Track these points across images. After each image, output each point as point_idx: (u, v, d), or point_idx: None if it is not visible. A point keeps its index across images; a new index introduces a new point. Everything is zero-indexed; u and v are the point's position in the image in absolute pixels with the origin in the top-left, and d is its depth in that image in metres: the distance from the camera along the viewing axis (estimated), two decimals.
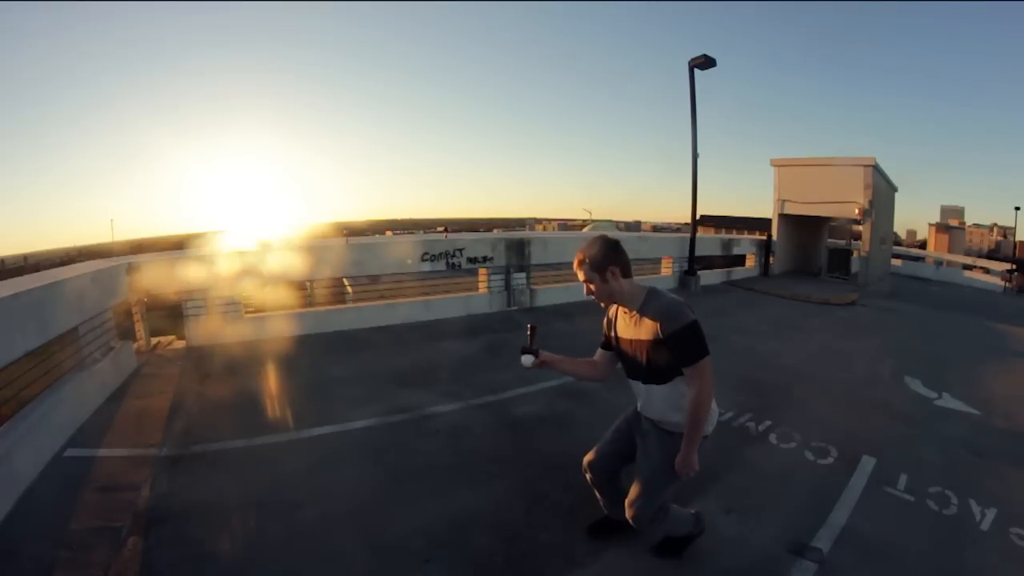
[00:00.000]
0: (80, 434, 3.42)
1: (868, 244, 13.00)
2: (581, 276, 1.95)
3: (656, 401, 1.99)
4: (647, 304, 1.90)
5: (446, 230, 9.07)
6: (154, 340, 5.75)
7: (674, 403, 1.94)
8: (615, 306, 2.05)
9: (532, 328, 2.10)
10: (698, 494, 2.75)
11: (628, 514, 2.10)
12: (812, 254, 15.49)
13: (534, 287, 8.26)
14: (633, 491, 2.10)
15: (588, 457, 2.31)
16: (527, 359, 2.08)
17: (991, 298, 14.38)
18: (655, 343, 1.86)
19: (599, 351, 2.19)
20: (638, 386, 2.04)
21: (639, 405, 2.12)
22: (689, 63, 10.13)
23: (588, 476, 2.33)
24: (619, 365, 2.12)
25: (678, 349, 1.83)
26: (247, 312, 6.11)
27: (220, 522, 2.51)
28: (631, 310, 1.94)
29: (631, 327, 1.96)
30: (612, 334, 2.08)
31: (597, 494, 2.38)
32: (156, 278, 5.33)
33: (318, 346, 5.72)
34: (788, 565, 2.28)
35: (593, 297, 1.96)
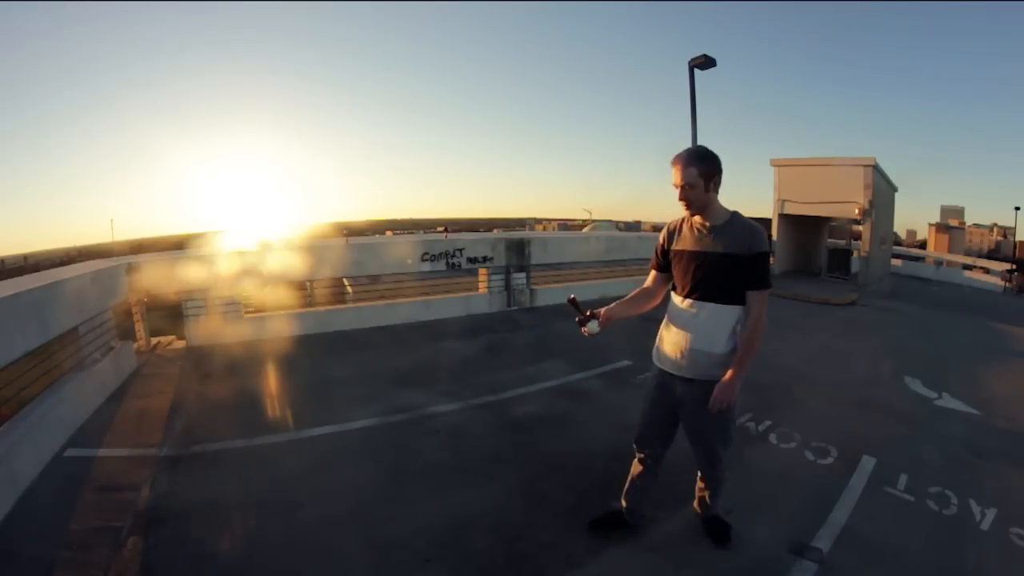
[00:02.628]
0: (80, 434, 3.42)
1: (868, 244, 12.99)
2: (683, 179, 1.90)
3: (703, 323, 1.97)
4: (734, 220, 1.95)
5: (446, 230, 9.07)
6: (154, 340, 5.75)
7: (723, 328, 1.96)
8: (681, 220, 2.06)
9: (573, 300, 2.06)
10: None
11: (703, 482, 2.30)
12: (812, 254, 15.48)
13: (534, 287, 8.25)
14: (703, 458, 2.19)
15: (636, 436, 2.28)
16: (592, 325, 2.04)
17: (991, 298, 14.39)
18: (734, 258, 1.89)
19: (653, 274, 2.19)
20: (685, 310, 2.01)
21: (669, 346, 2.06)
22: (689, 63, 10.13)
23: (640, 455, 2.29)
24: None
25: (757, 270, 1.90)
26: (247, 312, 6.11)
27: (220, 522, 2.51)
28: (712, 224, 1.95)
29: (707, 240, 1.95)
30: (675, 248, 2.06)
31: (635, 478, 2.34)
32: (156, 278, 5.33)
33: (318, 346, 5.72)
34: (788, 565, 2.28)
35: (683, 203, 1.95)
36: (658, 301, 2.21)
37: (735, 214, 1.98)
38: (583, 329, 2.08)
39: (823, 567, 2.28)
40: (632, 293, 2.21)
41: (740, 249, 1.89)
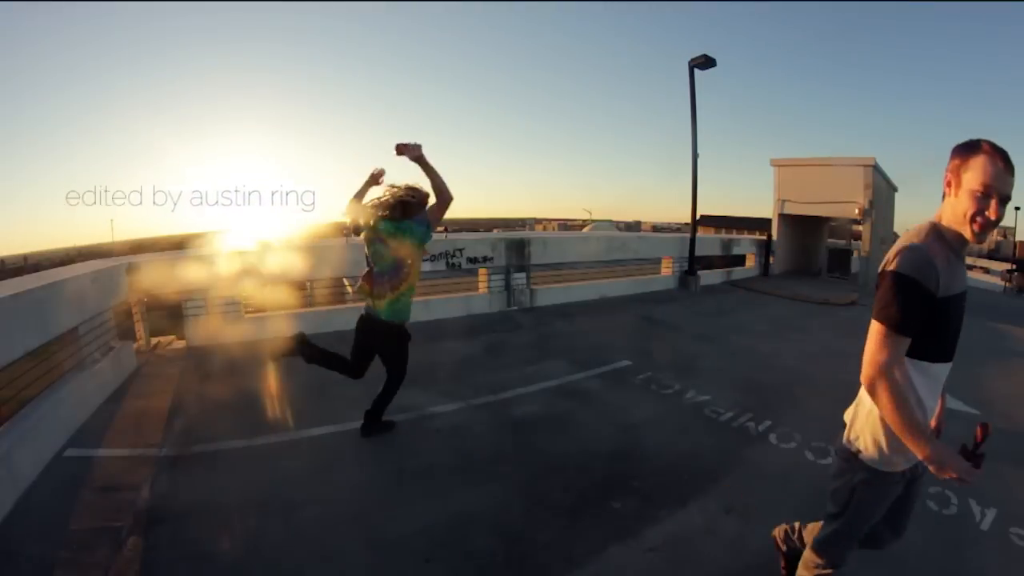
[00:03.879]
0: (80, 434, 3.42)
1: (868, 244, 12.99)
2: (1009, 188, 1.29)
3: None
4: None
5: (446, 230, 9.07)
6: (154, 340, 5.75)
7: None
8: (931, 249, 1.35)
9: (984, 430, 1.42)
10: (698, 494, 2.75)
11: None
12: (812, 254, 15.48)
13: (534, 287, 8.26)
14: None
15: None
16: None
17: (991, 298, 14.36)
18: None
19: (901, 341, 1.37)
20: (940, 380, 1.54)
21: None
22: (689, 63, 10.14)
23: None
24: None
25: None
26: (247, 312, 6.11)
27: (220, 522, 2.50)
28: (960, 256, 1.42)
29: (964, 272, 1.45)
30: (947, 294, 1.36)
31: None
32: (156, 278, 5.33)
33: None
34: None
35: (988, 225, 1.31)
36: None
37: None
38: (979, 465, 1.43)
39: None
40: (905, 396, 1.40)
41: None
